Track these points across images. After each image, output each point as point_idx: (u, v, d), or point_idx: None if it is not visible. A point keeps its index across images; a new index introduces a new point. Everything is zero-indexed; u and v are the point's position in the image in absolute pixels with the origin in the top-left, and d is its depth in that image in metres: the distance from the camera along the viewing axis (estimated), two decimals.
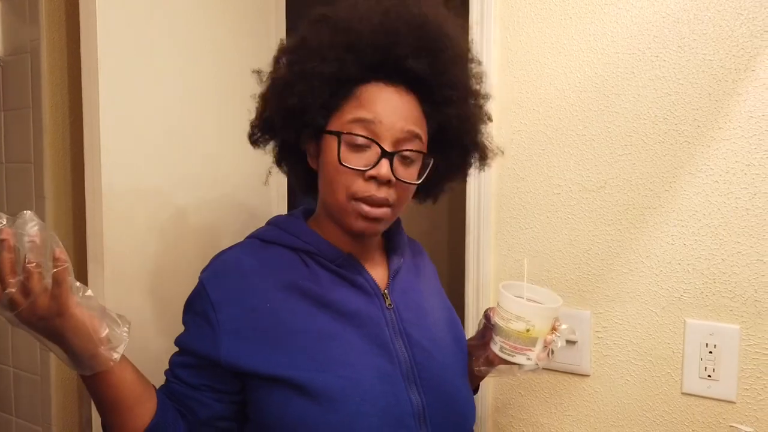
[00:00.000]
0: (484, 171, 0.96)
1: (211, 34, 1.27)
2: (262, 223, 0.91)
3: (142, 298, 1.11)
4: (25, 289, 0.60)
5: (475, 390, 1.06)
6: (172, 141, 1.17)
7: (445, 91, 0.81)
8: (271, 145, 0.90)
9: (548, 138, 1.17)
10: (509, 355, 0.81)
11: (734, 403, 1.02)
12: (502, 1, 1.21)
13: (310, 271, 0.82)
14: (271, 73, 0.85)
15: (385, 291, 0.86)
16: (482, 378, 0.99)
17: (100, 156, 1.03)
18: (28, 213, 0.60)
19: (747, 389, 1.01)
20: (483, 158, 0.91)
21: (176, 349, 0.83)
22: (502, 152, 1.13)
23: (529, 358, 0.81)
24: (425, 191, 0.93)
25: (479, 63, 0.90)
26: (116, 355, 0.67)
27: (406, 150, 0.79)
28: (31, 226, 0.60)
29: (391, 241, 0.93)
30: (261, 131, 0.87)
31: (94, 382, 0.69)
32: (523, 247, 1.21)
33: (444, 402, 0.82)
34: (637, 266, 1.10)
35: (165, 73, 1.16)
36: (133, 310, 1.08)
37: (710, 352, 1.03)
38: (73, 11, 1.21)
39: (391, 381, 0.77)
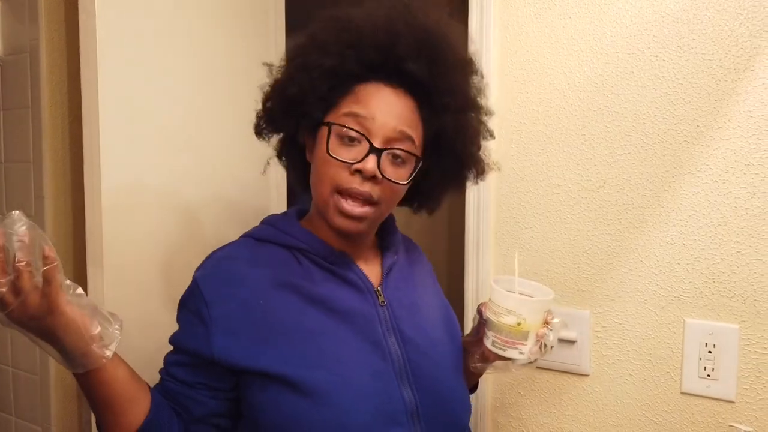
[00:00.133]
0: (477, 185, 0.96)
1: (211, 33, 1.27)
2: None
3: (142, 297, 1.11)
4: (16, 289, 0.60)
5: (474, 388, 1.06)
6: (172, 140, 1.17)
7: (443, 97, 0.82)
8: (274, 140, 0.91)
9: (548, 137, 1.17)
10: (501, 349, 0.81)
11: (733, 402, 1.02)
12: (502, 1, 1.21)
13: (303, 269, 0.83)
14: (279, 67, 0.87)
15: (379, 288, 0.86)
16: (479, 375, 0.99)
17: (100, 155, 1.03)
18: (16, 213, 0.61)
19: (746, 389, 1.01)
20: (479, 172, 0.92)
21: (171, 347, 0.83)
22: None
23: (521, 353, 0.80)
24: (419, 200, 0.93)
25: (482, 76, 0.90)
26: (108, 353, 0.68)
27: (396, 149, 0.79)
28: (20, 225, 0.60)
29: (385, 240, 0.94)
30: (264, 122, 0.89)
31: (87, 380, 0.69)
32: (522, 246, 1.21)
33: (437, 399, 0.82)
34: (637, 266, 1.10)
35: (164, 72, 1.16)
36: (132, 310, 1.08)
37: (709, 352, 1.03)
38: (72, 11, 1.20)
39: (383, 378, 0.78)
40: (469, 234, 1.26)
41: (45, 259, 0.61)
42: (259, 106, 0.89)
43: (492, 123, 0.93)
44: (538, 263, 1.20)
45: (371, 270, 0.89)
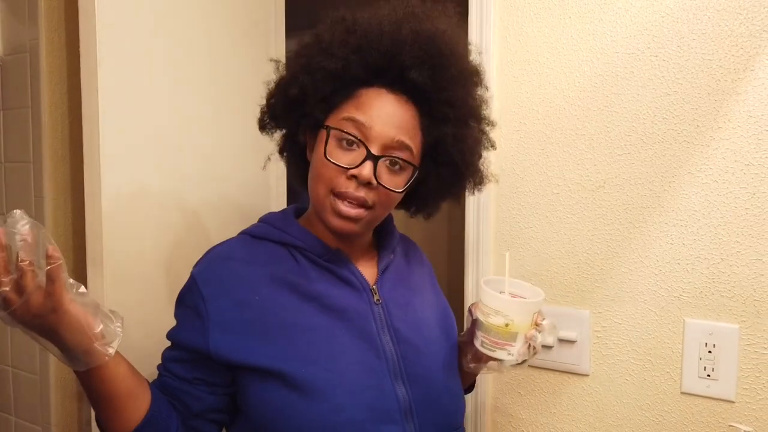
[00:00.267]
0: (474, 195, 0.96)
1: (211, 35, 1.27)
2: None
3: (142, 297, 1.11)
4: (19, 288, 0.60)
5: (471, 388, 1.07)
6: (171, 140, 1.17)
7: (444, 107, 0.82)
8: (277, 136, 0.92)
9: (548, 137, 1.17)
10: (490, 350, 0.81)
11: (733, 402, 1.02)
12: (502, 1, 1.21)
13: (299, 266, 0.83)
14: (285, 64, 0.88)
15: (374, 286, 0.87)
16: (475, 375, 0.99)
17: (100, 155, 1.03)
18: (18, 212, 0.61)
19: (746, 389, 1.01)
20: (476, 183, 0.92)
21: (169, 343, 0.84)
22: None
23: (509, 354, 0.80)
24: (416, 205, 0.94)
25: (487, 88, 0.90)
26: (111, 350, 0.68)
27: (392, 157, 0.80)
28: (23, 224, 0.60)
29: (383, 239, 0.95)
30: (267, 118, 0.89)
31: (89, 377, 0.70)
32: (522, 246, 1.21)
33: (431, 397, 0.82)
34: (637, 266, 1.10)
35: (164, 73, 1.16)
36: (132, 310, 1.08)
37: (709, 352, 1.03)
38: (72, 11, 1.20)
39: (377, 375, 0.79)
40: (469, 234, 1.26)
41: (49, 258, 0.61)
42: (261, 106, 0.90)
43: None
44: (538, 263, 1.20)
45: (367, 269, 0.89)
